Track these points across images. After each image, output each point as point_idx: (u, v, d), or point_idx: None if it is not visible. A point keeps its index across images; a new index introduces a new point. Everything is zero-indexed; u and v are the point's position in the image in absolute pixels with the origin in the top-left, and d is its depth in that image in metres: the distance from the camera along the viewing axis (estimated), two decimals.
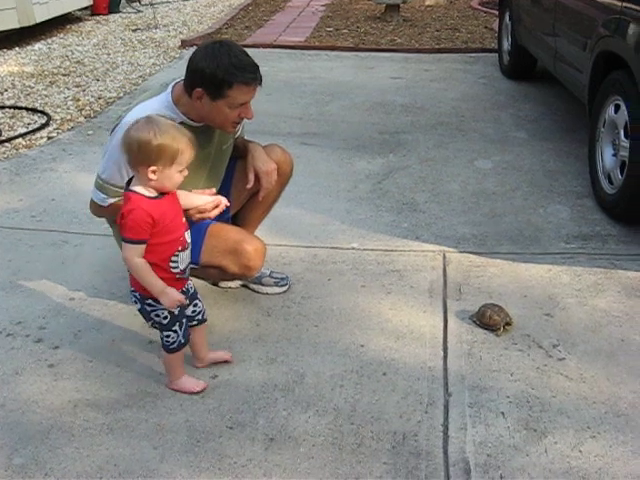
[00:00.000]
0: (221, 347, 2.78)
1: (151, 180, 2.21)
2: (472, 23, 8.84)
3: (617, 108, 3.62)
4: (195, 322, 2.56)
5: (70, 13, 9.31)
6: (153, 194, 2.26)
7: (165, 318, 2.38)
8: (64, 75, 6.81)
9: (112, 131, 2.68)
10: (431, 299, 3.07)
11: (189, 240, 2.40)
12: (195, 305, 2.53)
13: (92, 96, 6.10)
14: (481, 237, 3.59)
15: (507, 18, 6.41)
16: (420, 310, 2.99)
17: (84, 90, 6.29)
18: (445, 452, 2.27)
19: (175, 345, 2.45)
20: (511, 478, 2.16)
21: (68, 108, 5.80)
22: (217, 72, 2.48)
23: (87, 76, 6.76)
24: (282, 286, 3.15)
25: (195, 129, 2.69)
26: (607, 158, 3.75)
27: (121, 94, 6.15)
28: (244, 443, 2.31)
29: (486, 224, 3.72)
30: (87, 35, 8.68)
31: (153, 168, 2.19)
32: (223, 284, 3.17)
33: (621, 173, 3.54)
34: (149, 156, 2.17)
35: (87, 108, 5.78)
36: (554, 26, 4.84)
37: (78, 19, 9.58)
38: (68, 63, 7.27)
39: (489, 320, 2.83)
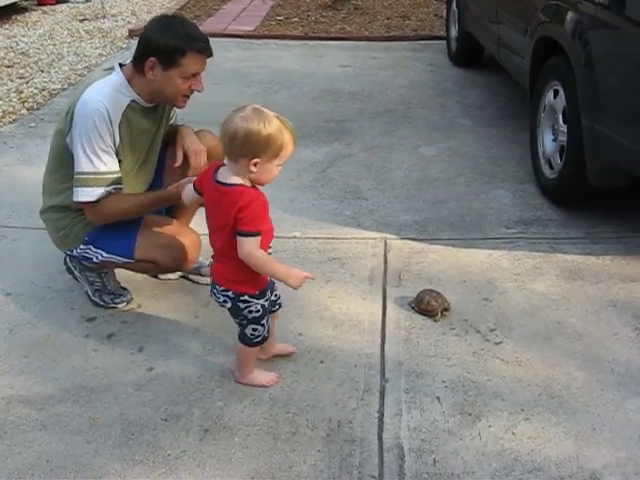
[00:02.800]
0: (159, 339, 2.76)
1: (251, 172, 2.13)
2: (423, 11, 8.84)
3: (556, 93, 3.64)
4: (277, 307, 2.52)
5: (16, 3, 9.10)
6: (249, 184, 2.18)
7: (257, 312, 2.33)
8: (7, 67, 6.66)
9: (70, 124, 2.62)
10: (371, 286, 3.06)
11: None
12: (276, 289, 2.48)
13: (36, 88, 5.97)
14: (423, 223, 3.60)
15: (454, 5, 6.42)
16: (359, 297, 2.99)
17: (28, 82, 6.16)
18: (380, 438, 2.27)
19: (260, 338, 2.40)
20: (444, 462, 2.17)
21: (10, 100, 5.67)
22: (171, 41, 2.51)
23: (31, 67, 6.62)
24: None
25: (145, 110, 2.69)
26: (547, 143, 3.78)
27: (65, 85, 6.03)
28: (179, 435, 2.29)
29: (428, 210, 3.73)
30: (33, 25, 8.49)
31: (256, 160, 2.10)
32: (162, 276, 3.12)
33: (560, 158, 3.58)
34: (255, 147, 2.08)
35: (30, 100, 5.66)
36: (497, 13, 4.86)
37: (24, 9, 9.37)
38: (12, 54, 7.11)
39: (427, 306, 2.84)
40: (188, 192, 2.43)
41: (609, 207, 3.66)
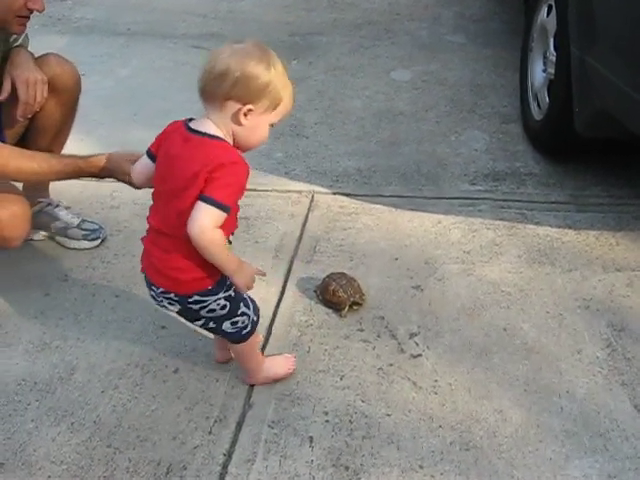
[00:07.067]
0: None
1: (239, 124, 1.57)
2: None
3: (550, 10, 2.79)
4: None
5: None
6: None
7: (224, 308, 1.72)
8: None
9: None
10: (275, 260, 2.37)
11: None
12: None
13: None
14: (367, 173, 2.85)
15: None
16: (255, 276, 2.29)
17: None
18: None
19: (249, 328, 1.79)
20: None
21: None
22: None
23: None
24: (92, 240, 2.48)
25: None
26: (537, 74, 2.95)
27: None
28: None
29: (379, 155, 2.97)
30: None
31: (250, 107, 1.55)
32: None
33: (549, 95, 2.76)
34: (252, 91, 1.55)
35: None
36: None
37: None
38: None
39: (332, 296, 2.14)
40: (141, 166, 1.76)
41: (608, 162, 2.84)
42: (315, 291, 2.22)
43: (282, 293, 2.23)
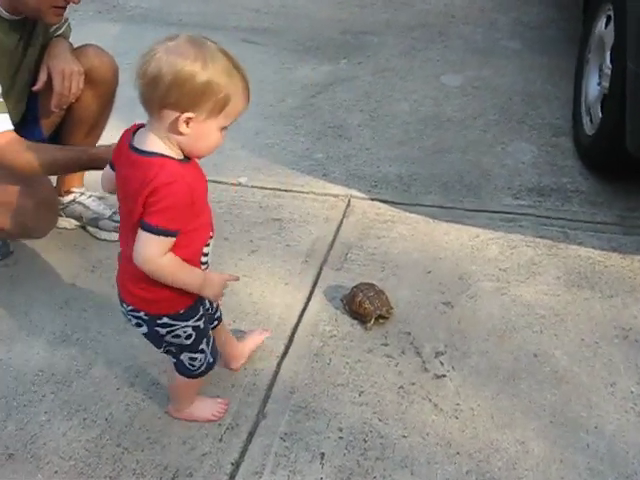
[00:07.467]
0: (16, 313, 2.16)
1: (181, 134, 1.40)
2: None
3: (609, 21, 2.67)
4: (215, 323, 1.84)
5: None
6: (180, 156, 1.44)
7: (189, 337, 1.63)
8: None
9: None
10: (304, 265, 2.32)
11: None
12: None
13: None
14: (407, 180, 2.77)
15: None
16: (282, 281, 2.25)
17: None
18: None
19: (203, 368, 1.72)
20: None
21: None
22: None
23: None
24: None
25: (10, 24, 2.02)
26: (591, 87, 2.83)
27: None
28: None
29: (421, 162, 2.88)
30: None
31: (189, 116, 1.37)
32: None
33: (602, 110, 2.64)
34: (188, 96, 1.36)
35: None
36: None
37: None
38: None
39: (358, 308, 2.08)
40: (105, 176, 1.63)
41: None
42: (342, 300, 2.16)
43: (308, 300, 2.18)
